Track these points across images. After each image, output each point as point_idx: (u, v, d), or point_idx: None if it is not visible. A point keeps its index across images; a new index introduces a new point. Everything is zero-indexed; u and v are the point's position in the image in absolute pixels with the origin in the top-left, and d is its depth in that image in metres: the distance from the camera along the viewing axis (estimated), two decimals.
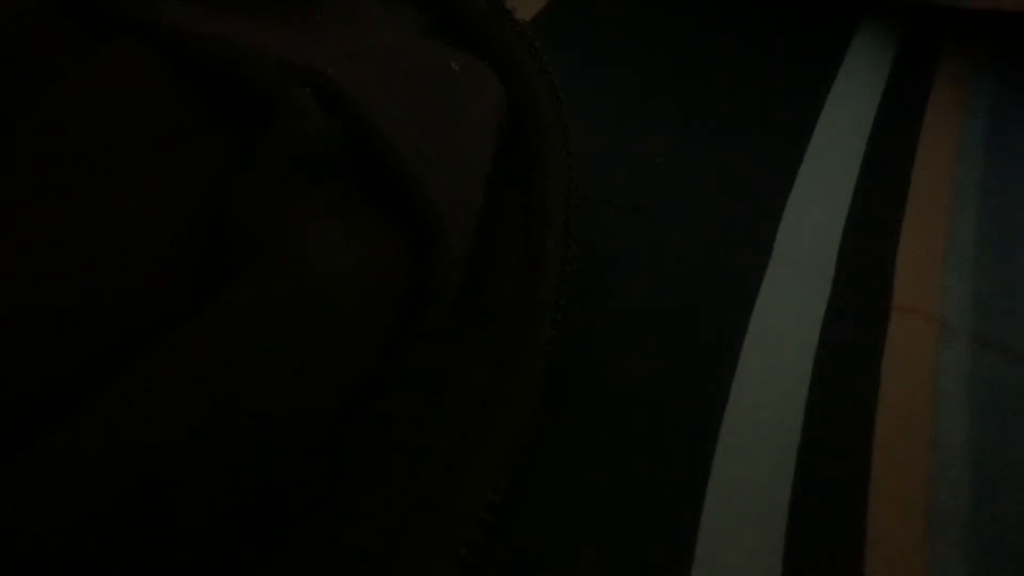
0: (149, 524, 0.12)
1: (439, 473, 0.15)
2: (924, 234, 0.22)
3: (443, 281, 0.15)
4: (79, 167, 0.13)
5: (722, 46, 0.28)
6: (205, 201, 0.14)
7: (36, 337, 0.12)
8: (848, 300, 0.20)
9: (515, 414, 0.16)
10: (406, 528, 0.15)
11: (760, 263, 0.21)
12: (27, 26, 0.14)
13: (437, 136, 0.16)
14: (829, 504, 0.17)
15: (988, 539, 0.16)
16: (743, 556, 0.16)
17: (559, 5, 0.28)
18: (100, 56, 0.14)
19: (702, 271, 0.21)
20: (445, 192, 0.15)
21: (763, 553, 0.16)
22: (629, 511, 0.16)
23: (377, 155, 0.15)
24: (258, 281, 0.13)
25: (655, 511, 0.16)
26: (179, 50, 0.15)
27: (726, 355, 0.19)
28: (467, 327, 0.17)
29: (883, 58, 0.28)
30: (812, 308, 0.20)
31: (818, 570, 0.16)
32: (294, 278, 0.13)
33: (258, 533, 0.14)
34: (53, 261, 0.13)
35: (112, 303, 0.13)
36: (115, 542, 0.12)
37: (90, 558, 0.12)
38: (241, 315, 0.13)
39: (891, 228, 0.23)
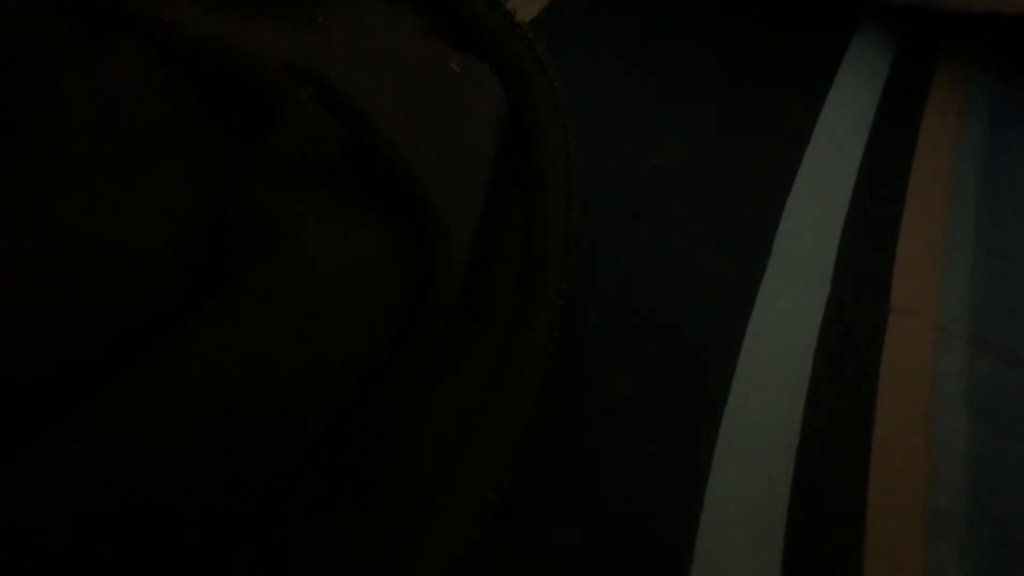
0: (149, 524, 0.12)
1: (439, 473, 0.15)
2: (922, 236, 0.22)
3: (443, 282, 0.15)
4: (81, 167, 0.13)
5: (722, 47, 0.28)
6: (207, 201, 0.14)
7: (37, 336, 0.12)
8: (847, 301, 0.21)
9: (515, 414, 0.16)
10: (407, 528, 0.15)
11: (760, 264, 0.21)
12: (29, 27, 0.14)
13: (438, 137, 0.16)
14: (828, 505, 0.17)
15: (986, 540, 0.16)
16: (743, 556, 0.16)
17: (559, 6, 0.28)
18: (102, 57, 0.14)
19: (701, 272, 0.21)
20: (446, 193, 0.15)
21: (762, 553, 0.16)
22: (629, 511, 0.16)
23: (378, 156, 0.15)
24: (259, 281, 0.13)
25: (655, 511, 0.16)
26: (180, 51, 0.15)
27: (725, 356, 0.19)
28: (467, 327, 0.17)
29: (882, 59, 0.28)
30: (811, 309, 0.20)
31: (817, 570, 0.16)
32: (295, 279, 0.13)
33: (258, 533, 0.14)
34: (54, 260, 0.13)
35: (114, 303, 0.13)
36: (115, 541, 0.12)
37: (90, 557, 0.12)
38: (242, 315, 0.13)
39: (889, 229, 0.23)
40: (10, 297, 0.12)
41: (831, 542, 0.16)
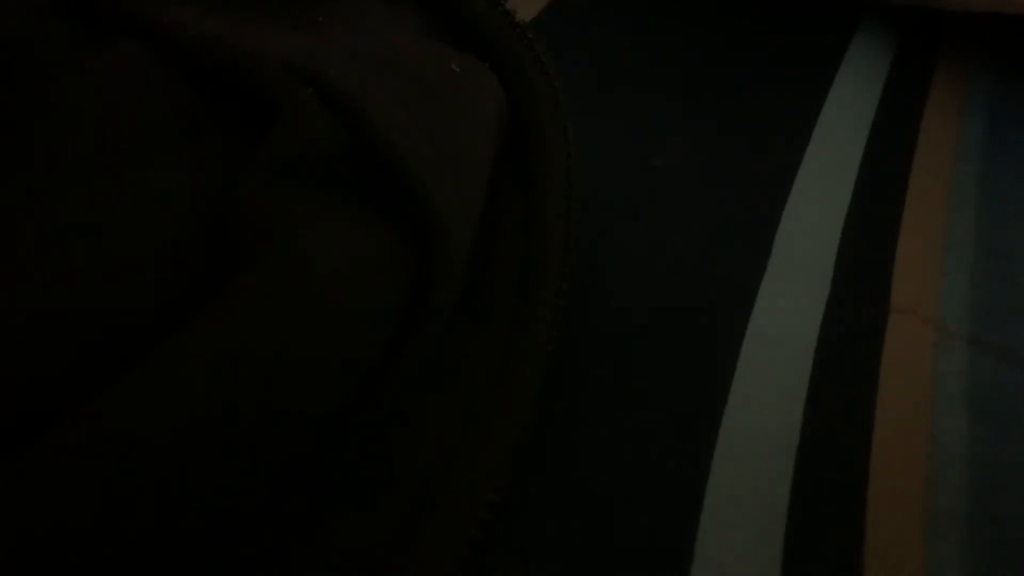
0: (149, 523, 0.12)
1: (439, 473, 0.15)
2: (922, 235, 0.22)
3: (443, 282, 0.15)
4: (81, 168, 0.13)
5: (722, 47, 0.28)
6: (207, 202, 0.14)
7: (37, 336, 0.12)
8: (847, 301, 0.21)
9: (515, 414, 0.16)
10: (407, 528, 0.15)
11: (759, 263, 0.21)
12: (29, 27, 0.14)
13: (438, 137, 0.16)
14: (828, 505, 0.17)
15: (986, 540, 0.16)
16: (743, 556, 0.16)
17: (559, 6, 0.28)
18: (102, 57, 0.14)
19: (701, 272, 0.21)
20: (446, 193, 0.15)
21: (762, 553, 0.16)
22: (629, 511, 0.16)
23: (378, 156, 0.15)
24: (260, 281, 0.13)
25: (655, 511, 0.16)
26: (181, 51, 0.15)
27: (725, 356, 0.19)
28: (467, 327, 0.17)
29: (882, 59, 0.28)
30: (811, 309, 0.20)
31: (817, 570, 0.16)
32: (295, 279, 0.13)
33: (259, 533, 0.14)
34: (54, 261, 0.13)
35: (115, 303, 0.13)
36: (115, 541, 0.12)
37: (90, 557, 0.12)
38: (243, 315, 0.13)
39: (890, 229, 0.23)
40: (10, 297, 0.12)
41: (831, 542, 0.16)
